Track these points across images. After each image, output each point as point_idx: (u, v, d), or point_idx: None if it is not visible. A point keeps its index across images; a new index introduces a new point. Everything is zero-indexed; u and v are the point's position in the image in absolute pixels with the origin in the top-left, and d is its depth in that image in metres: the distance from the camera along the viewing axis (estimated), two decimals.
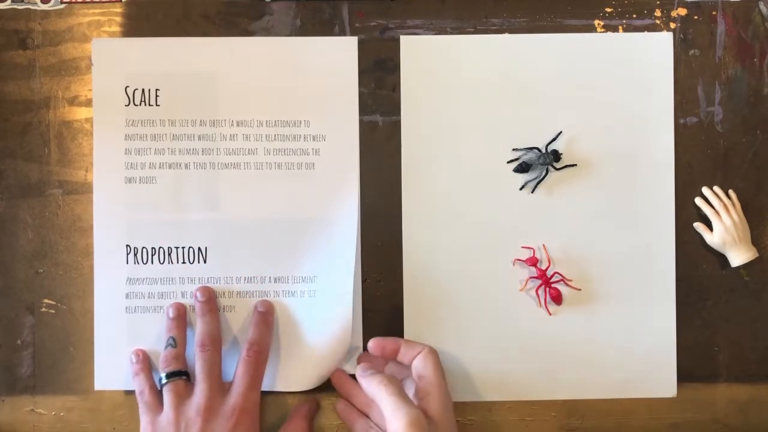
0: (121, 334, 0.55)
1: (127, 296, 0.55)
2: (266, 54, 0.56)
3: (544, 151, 0.56)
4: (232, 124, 0.56)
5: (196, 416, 0.49)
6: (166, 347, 0.53)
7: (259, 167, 0.56)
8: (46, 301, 0.56)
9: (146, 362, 0.54)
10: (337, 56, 0.56)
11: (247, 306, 0.55)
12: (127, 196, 0.55)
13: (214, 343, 0.52)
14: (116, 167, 0.55)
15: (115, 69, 0.55)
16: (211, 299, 0.54)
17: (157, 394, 0.52)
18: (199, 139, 0.55)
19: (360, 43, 0.56)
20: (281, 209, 0.56)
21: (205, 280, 0.55)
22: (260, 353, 0.52)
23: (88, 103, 0.56)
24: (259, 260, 0.55)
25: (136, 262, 0.55)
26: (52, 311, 0.56)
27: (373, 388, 0.48)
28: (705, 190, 0.57)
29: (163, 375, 0.51)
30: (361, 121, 0.56)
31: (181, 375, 0.51)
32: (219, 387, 0.51)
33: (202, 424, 0.49)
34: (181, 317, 0.54)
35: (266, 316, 0.54)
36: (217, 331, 0.53)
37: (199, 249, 0.55)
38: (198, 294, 0.54)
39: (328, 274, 0.55)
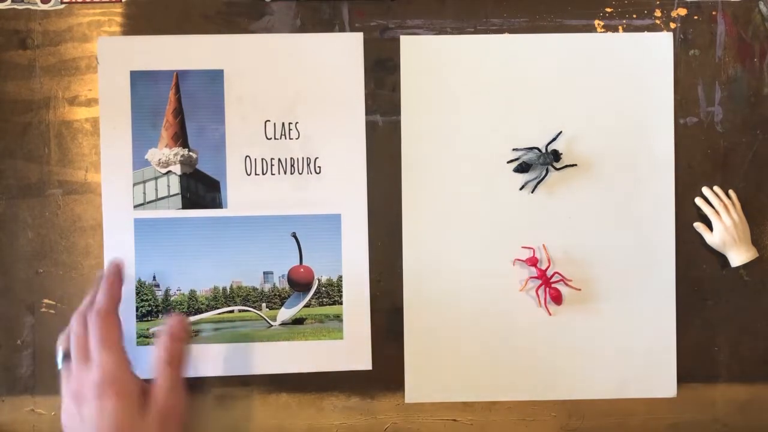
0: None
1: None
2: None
3: (544, 151, 0.56)
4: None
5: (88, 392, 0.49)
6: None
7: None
8: (46, 301, 0.56)
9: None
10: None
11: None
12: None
13: (78, 316, 0.51)
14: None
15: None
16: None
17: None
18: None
19: None
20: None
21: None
22: (99, 313, 0.50)
23: (88, 102, 0.56)
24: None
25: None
26: (52, 311, 0.56)
27: None
28: (705, 190, 0.57)
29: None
30: None
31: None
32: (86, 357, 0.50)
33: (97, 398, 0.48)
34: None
35: (110, 279, 0.52)
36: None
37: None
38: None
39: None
